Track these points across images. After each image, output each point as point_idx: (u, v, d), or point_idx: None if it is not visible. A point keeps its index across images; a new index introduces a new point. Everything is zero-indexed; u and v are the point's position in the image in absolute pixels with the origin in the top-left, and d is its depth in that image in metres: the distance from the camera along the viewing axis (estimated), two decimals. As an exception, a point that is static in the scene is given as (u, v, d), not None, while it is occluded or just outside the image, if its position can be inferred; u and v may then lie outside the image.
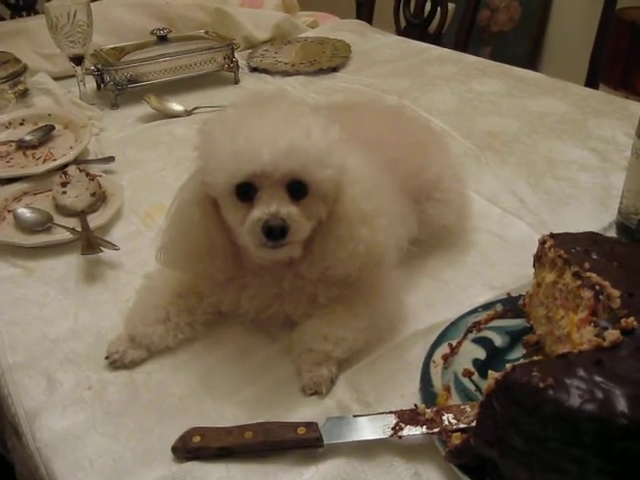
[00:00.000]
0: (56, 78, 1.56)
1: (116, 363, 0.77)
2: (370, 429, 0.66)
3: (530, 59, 3.20)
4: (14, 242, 1.00)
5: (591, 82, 2.06)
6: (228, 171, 0.69)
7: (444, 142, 1.01)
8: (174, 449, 0.66)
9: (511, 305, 0.82)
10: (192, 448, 0.66)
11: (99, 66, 1.50)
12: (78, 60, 1.42)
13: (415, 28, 2.27)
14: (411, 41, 1.93)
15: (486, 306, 0.82)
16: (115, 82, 1.48)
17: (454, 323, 0.79)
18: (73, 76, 1.48)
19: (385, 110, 0.99)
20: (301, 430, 0.66)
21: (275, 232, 0.69)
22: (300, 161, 0.68)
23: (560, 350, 0.70)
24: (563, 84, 1.58)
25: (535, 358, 0.62)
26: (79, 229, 1.00)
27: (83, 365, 0.79)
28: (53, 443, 0.69)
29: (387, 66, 1.72)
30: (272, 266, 0.78)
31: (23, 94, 1.48)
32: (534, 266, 0.80)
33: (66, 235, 1.00)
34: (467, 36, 2.29)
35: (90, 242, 0.95)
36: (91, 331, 0.84)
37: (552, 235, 0.76)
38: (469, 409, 0.67)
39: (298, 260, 0.76)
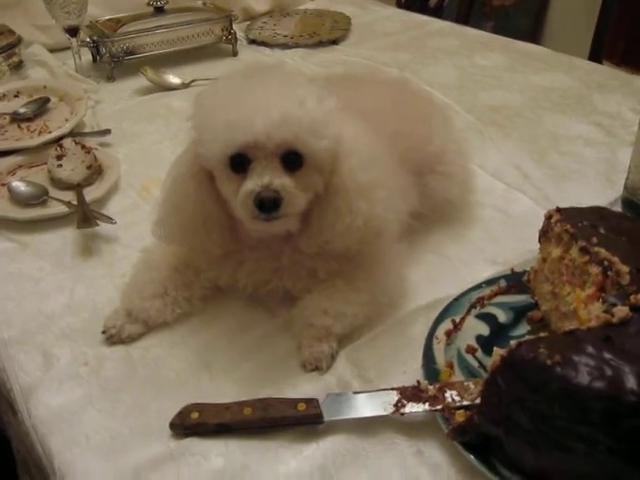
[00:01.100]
0: (51, 50, 1.52)
1: (113, 338, 0.76)
2: (371, 406, 0.65)
3: (532, 34, 3.15)
4: (9, 216, 0.98)
5: (594, 58, 2.03)
6: (221, 142, 0.68)
7: (447, 115, 0.99)
8: (172, 425, 0.65)
9: (515, 281, 0.81)
10: (190, 424, 0.65)
11: (95, 38, 1.47)
12: (73, 31, 1.39)
13: (416, 1, 2.24)
14: (412, 14, 1.89)
15: (490, 282, 0.81)
16: (111, 54, 1.45)
17: (457, 299, 0.78)
18: (68, 48, 1.45)
19: (387, 82, 0.97)
20: (301, 406, 0.65)
21: (267, 204, 0.67)
22: (294, 131, 0.66)
23: (566, 327, 0.69)
24: (567, 58, 1.55)
25: (541, 334, 0.60)
26: (75, 202, 0.98)
27: (79, 340, 0.77)
28: (49, 420, 0.68)
29: (388, 39, 1.68)
30: (270, 240, 0.76)
31: (17, 66, 1.45)
32: (539, 241, 0.78)
33: (62, 209, 0.98)
34: (469, 10, 2.26)
35: (86, 216, 0.93)
36: (87, 306, 0.83)
37: (558, 209, 0.75)
38: (472, 386, 0.66)
39: (296, 234, 0.74)
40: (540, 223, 0.95)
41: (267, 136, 0.66)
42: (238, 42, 1.59)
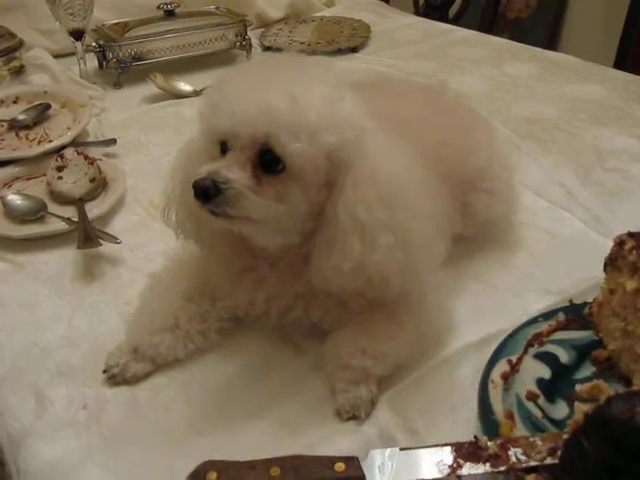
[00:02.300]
0: (55, 56, 1.44)
1: (116, 378, 0.66)
2: (423, 466, 0.55)
3: (548, 46, 3.07)
4: (2, 233, 0.89)
5: (619, 69, 1.95)
6: (211, 126, 0.63)
7: (490, 125, 0.90)
8: (185, 487, 0.55)
9: (575, 314, 0.71)
10: (207, 487, 0.54)
11: (101, 42, 1.38)
12: (78, 35, 1.31)
13: (435, 10, 2.16)
14: (433, 22, 1.81)
15: (547, 315, 0.71)
16: (118, 59, 1.36)
17: (512, 335, 0.68)
18: (73, 54, 1.37)
19: (425, 88, 0.88)
20: (339, 467, 0.54)
21: (198, 191, 0.59)
22: (269, 125, 0.58)
23: (644, 371, 0.59)
24: (600, 68, 1.47)
25: (633, 388, 0.50)
26: (76, 219, 0.88)
27: (78, 379, 0.68)
28: (41, 476, 0.58)
29: (409, 47, 1.60)
30: (291, 258, 0.67)
31: (18, 71, 1.36)
32: (605, 270, 0.68)
33: (61, 226, 0.89)
34: (492, 20, 2.18)
35: (88, 234, 0.84)
36: (87, 338, 0.73)
37: (631, 234, 0.65)
38: (540, 442, 0.56)
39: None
40: (591, 246, 0.87)
41: (241, 127, 0.59)
42: (252, 49, 1.50)
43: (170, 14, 1.44)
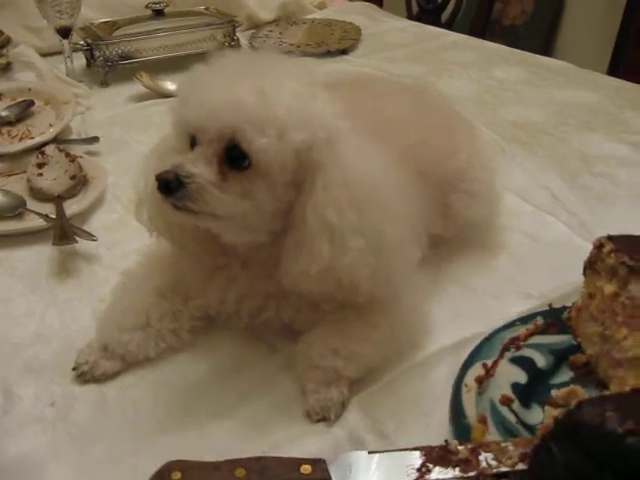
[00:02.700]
0: (43, 54, 1.43)
1: (85, 375, 0.65)
2: (390, 470, 0.54)
3: (543, 54, 3.07)
4: (-21, 229, 0.87)
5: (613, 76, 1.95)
6: (181, 119, 0.62)
7: (471, 126, 0.89)
8: (148, 487, 0.54)
9: (554, 318, 0.70)
10: (171, 487, 0.53)
11: (88, 41, 1.37)
12: (65, 32, 1.29)
13: (428, 14, 2.16)
14: (425, 26, 1.81)
15: (524, 319, 0.70)
16: (105, 58, 1.35)
17: (488, 339, 0.67)
18: (60, 53, 1.35)
19: (406, 88, 0.87)
20: (305, 469, 0.53)
21: (161, 184, 0.58)
22: (234, 119, 0.57)
23: (620, 375, 0.58)
24: (592, 74, 1.46)
25: (606, 392, 0.49)
26: (53, 216, 0.87)
27: (46, 376, 0.66)
28: (6, 472, 0.57)
29: (400, 50, 1.59)
30: (263, 257, 0.66)
31: (5, 68, 1.35)
32: (584, 273, 0.67)
33: (39, 222, 0.88)
34: (484, 25, 2.18)
35: (64, 231, 0.83)
36: (59, 334, 0.72)
37: (610, 238, 0.64)
38: (512, 447, 0.54)
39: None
40: (575, 251, 0.84)
41: (208, 120, 0.59)
42: (241, 50, 1.48)
43: (159, 13, 1.43)
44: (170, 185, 0.58)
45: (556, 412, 0.47)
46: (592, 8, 2.77)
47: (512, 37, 3.22)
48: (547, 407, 0.48)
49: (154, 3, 1.43)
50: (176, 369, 0.67)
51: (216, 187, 0.58)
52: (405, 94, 0.83)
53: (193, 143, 0.61)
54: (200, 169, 0.58)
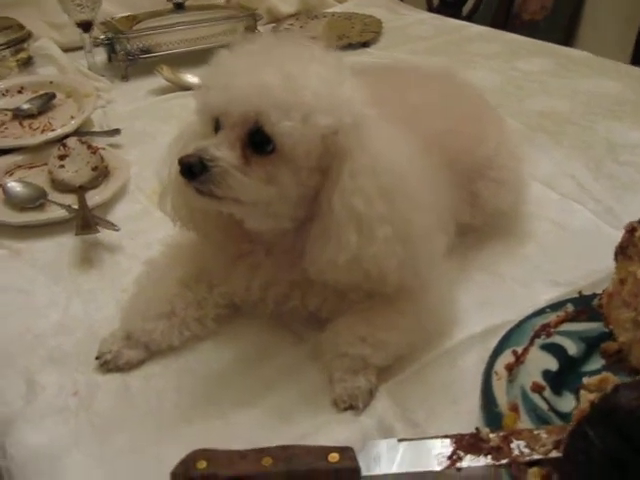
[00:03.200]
0: (64, 49, 1.41)
1: (108, 364, 0.64)
2: (421, 458, 0.53)
3: (563, 49, 3.04)
4: (1, 220, 0.87)
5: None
6: (205, 103, 0.61)
7: (498, 114, 0.87)
8: (173, 476, 0.52)
9: (584, 305, 0.68)
10: (196, 476, 0.52)
11: (109, 35, 1.37)
12: (86, 27, 1.29)
13: (448, 8, 2.13)
14: (446, 18, 1.78)
15: (554, 306, 0.68)
16: (126, 52, 1.35)
17: (518, 326, 0.65)
18: (81, 48, 1.35)
19: (434, 75, 0.85)
20: (333, 457, 0.52)
21: (184, 167, 0.57)
22: (259, 103, 0.56)
23: (656, 363, 0.56)
24: (615, 64, 1.44)
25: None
26: (76, 207, 0.87)
27: (70, 365, 0.66)
28: (27, 462, 0.57)
29: (422, 43, 1.57)
30: (288, 245, 0.65)
31: (26, 62, 1.36)
32: (615, 259, 0.66)
33: (61, 213, 0.87)
34: (506, 18, 2.16)
35: (86, 221, 0.82)
36: (82, 324, 0.71)
37: (643, 221, 0.62)
38: (545, 435, 0.53)
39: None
40: (603, 238, 0.83)
41: (233, 104, 0.58)
42: (265, 35, 1.48)
43: (179, 7, 1.43)
44: (193, 169, 0.57)
45: (592, 396, 0.46)
46: (612, 3, 2.73)
47: (532, 31, 3.17)
48: (582, 392, 0.46)
49: (175, -4, 1.42)
50: (200, 358, 0.66)
51: (240, 171, 0.57)
52: (432, 82, 0.81)
53: (217, 128, 0.60)
54: (224, 152, 0.57)
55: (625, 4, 2.44)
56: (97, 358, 0.65)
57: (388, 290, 0.61)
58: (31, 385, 0.64)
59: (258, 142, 0.58)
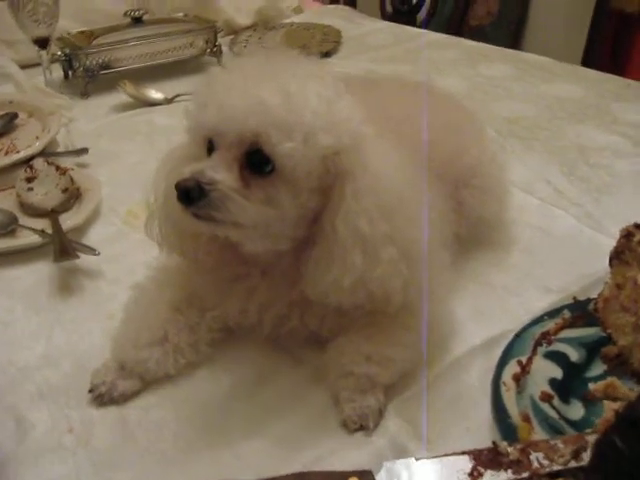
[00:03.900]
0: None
1: (103, 397, 0.61)
2: (441, 476, 0.52)
3: (511, 53, 3.10)
4: (-29, 248, 0.83)
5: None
6: (198, 123, 0.59)
7: (479, 122, 0.87)
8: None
9: (580, 311, 0.68)
10: (213, 511, 0.50)
11: (67, 51, 1.33)
12: (43, 43, 1.25)
13: (402, 16, 2.14)
14: (403, 26, 1.79)
15: (551, 313, 0.68)
16: (85, 68, 1.31)
17: (518, 335, 0.65)
18: (37, 65, 1.30)
19: (413, 86, 0.85)
20: (353, 482, 0.51)
21: (181, 193, 0.55)
22: (257, 122, 0.54)
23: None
24: (574, 68, 1.48)
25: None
26: (49, 231, 0.83)
27: (60, 400, 0.63)
28: (25, 507, 0.53)
29: (382, 51, 1.58)
30: (285, 266, 0.63)
31: (-19, 82, 1.30)
32: (610, 264, 0.66)
33: (34, 239, 0.83)
34: (459, 25, 2.18)
35: (64, 246, 0.79)
36: (69, 356, 0.68)
37: (638, 226, 0.63)
38: (562, 445, 0.53)
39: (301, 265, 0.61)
40: (587, 242, 0.85)
41: (229, 123, 0.56)
42: (223, 55, 1.46)
43: (138, 21, 1.39)
44: (191, 194, 0.54)
45: (616, 405, 0.45)
46: (557, 6, 2.79)
47: (480, 37, 3.23)
48: (605, 402, 0.46)
49: (132, 11, 1.39)
50: (197, 385, 0.64)
51: (239, 194, 0.55)
52: (412, 93, 0.81)
53: (210, 149, 0.58)
54: (222, 175, 0.55)
55: (569, 7, 2.50)
56: (90, 391, 0.62)
57: (391, 310, 0.60)
58: (20, 423, 0.60)
59: (256, 163, 0.56)
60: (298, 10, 1.87)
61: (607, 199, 0.95)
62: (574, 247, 0.84)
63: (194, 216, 0.56)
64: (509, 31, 3.15)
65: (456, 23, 2.11)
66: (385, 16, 2.12)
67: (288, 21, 1.76)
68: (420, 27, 1.96)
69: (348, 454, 0.56)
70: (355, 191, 0.57)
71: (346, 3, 2.06)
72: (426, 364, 0.63)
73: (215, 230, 0.59)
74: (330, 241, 0.57)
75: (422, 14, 2.09)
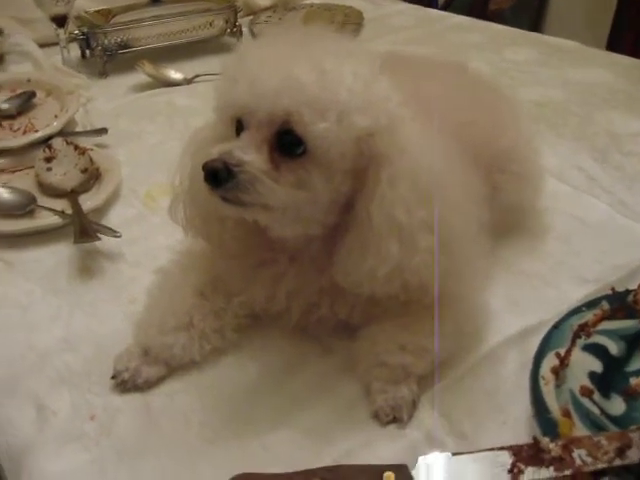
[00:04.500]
0: (36, 46, 1.36)
1: (126, 384, 0.60)
2: (479, 472, 0.49)
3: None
4: (-11, 229, 0.81)
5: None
6: (227, 101, 0.57)
7: (515, 103, 0.84)
8: (217, 504, 0.49)
9: (619, 303, 0.66)
10: (242, 504, 0.48)
11: (84, 30, 1.30)
12: (61, 21, 1.22)
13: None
14: (426, 9, 1.76)
15: (590, 304, 0.65)
16: (103, 47, 1.28)
17: (556, 326, 0.63)
18: (53, 44, 1.29)
19: (447, 65, 0.82)
20: (388, 476, 0.49)
21: (209, 174, 0.52)
22: (289, 100, 0.52)
23: None
24: (601, 53, 1.45)
25: None
26: (69, 212, 0.81)
27: (82, 386, 0.61)
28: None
29: (405, 33, 1.54)
30: (314, 251, 0.61)
31: (-1, 60, 1.28)
32: (653, 254, 0.63)
33: (54, 219, 0.82)
34: (482, 8, 2.14)
35: (85, 227, 0.77)
36: (89, 340, 0.66)
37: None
38: (605, 442, 0.50)
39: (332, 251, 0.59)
40: (621, 231, 0.83)
41: (259, 100, 0.53)
42: (242, 37, 1.43)
43: (156, 0, 1.37)
44: (219, 175, 0.52)
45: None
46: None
47: (499, 21, 3.19)
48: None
49: (151, -12, 1.36)
50: (223, 373, 0.62)
51: (269, 176, 0.53)
52: (446, 72, 0.78)
53: (239, 129, 0.56)
54: (251, 156, 0.53)
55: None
56: (113, 377, 0.60)
57: (428, 300, 0.57)
58: (41, 410, 0.59)
59: (287, 144, 0.53)
60: (318, -10, 1.84)
61: (639, 187, 0.92)
62: (608, 236, 0.81)
63: (222, 199, 0.54)
64: (529, 15, 3.10)
65: (479, 6, 2.07)
66: (406, -1, 2.08)
67: (308, 1, 1.73)
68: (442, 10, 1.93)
69: (381, 447, 0.54)
70: (391, 176, 0.54)
71: (367, -15, 2.02)
72: (460, 355, 0.61)
73: (244, 214, 0.57)
74: (364, 228, 0.55)
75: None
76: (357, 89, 0.54)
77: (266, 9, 1.66)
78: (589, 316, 0.64)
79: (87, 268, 0.76)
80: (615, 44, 2.09)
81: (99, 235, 0.77)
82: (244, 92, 0.54)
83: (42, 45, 1.37)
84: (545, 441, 0.50)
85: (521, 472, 0.49)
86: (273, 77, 0.52)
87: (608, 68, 1.32)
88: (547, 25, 3.09)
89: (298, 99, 0.52)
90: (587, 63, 1.35)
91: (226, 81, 0.56)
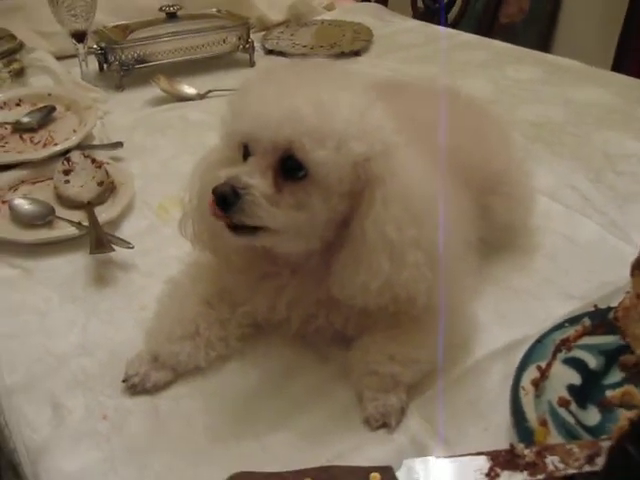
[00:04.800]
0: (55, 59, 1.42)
1: (136, 387, 0.64)
2: (459, 475, 0.54)
3: (541, 51, 3.08)
4: (10, 238, 0.86)
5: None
6: (233, 130, 0.62)
7: (506, 128, 0.88)
8: (216, 499, 0.53)
9: (601, 319, 0.70)
10: (239, 499, 0.53)
11: (102, 45, 1.36)
12: (80, 37, 1.28)
13: (434, 15, 2.15)
14: (434, 26, 1.80)
15: (572, 320, 0.70)
16: (120, 62, 1.34)
17: (539, 341, 0.67)
18: (72, 57, 1.34)
19: (439, 91, 0.86)
20: (374, 477, 0.53)
21: (218, 198, 0.57)
22: (291, 131, 0.56)
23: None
24: (603, 72, 1.48)
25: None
26: (86, 224, 0.86)
27: (95, 388, 0.66)
28: (63, 489, 0.56)
29: (412, 51, 1.59)
30: (314, 265, 0.65)
31: (19, 73, 1.33)
32: (632, 274, 0.67)
33: (71, 230, 0.86)
34: (491, 24, 2.18)
35: (100, 239, 0.82)
36: (104, 345, 0.71)
37: (661, 237, 0.64)
38: (577, 450, 0.54)
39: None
40: (611, 251, 0.86)
41: (264, 130, 0.58)
42: (255, 52, 1.48)
43: (172, 16, 1.42)
44: (227, 199, 0.57)
45: (630, 414, 0.47)
46: (589, 4, 2.77)
47: (509, 35, 3.22)
48: (622, 412, 0.48)
49: (167, 6, 1.41)
50: (226, 378, 0.66)
51: (270, 200, 0.58)
52: (438, 97, 0.82)
53: (245, 154, 0.60)
54: (257, 181, 0.58)
55: (601, 5, 2.48)
56: (124, 381, 0.65)
57: (415, 312, 0.62)
58: (57, 409, 0.63)
59: (290, 168, 0.58)
60: (330, 7, 1.89)
61: (633, 207, 0.95)
62: (597, 255, 0.85)
63: (229, 229, 0.59)
64: (540, 29, 3.13)
65: (488, 20, 2.11)
66: (417, 14, 2.12)
67: (319, 18, 1.78)
68: (451, 26, 1.97)
69: (370, 450, 0.58)
70: (385, 197, 0.59)
71: (377, 0, 2.07)
72: (447, 366, 0.65)
73: (252, 242, 0.62)
74: (358, 245, 0.59)
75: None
76: (353, 119, 0.58)
77: (278, 25, 1.71)
78: (571, 331, 0.68)
79: (102, 277, 0.81)
80: (623, 58, 2.12)
81: (113, 246, 0.81)
82: (249, 124, 0.59)
83: (61, 57, 1.42)
84: (520, 447, 0.54)
85: (497, 476, 0.53)
86: (275, 110, 0.57)
87: (607, 88, 1.35)
88: (557, 39, 3.13)
89: (299, 129, 0.56)
90: (587, 82, 1.39)
91: (232, 114, 0.61)
